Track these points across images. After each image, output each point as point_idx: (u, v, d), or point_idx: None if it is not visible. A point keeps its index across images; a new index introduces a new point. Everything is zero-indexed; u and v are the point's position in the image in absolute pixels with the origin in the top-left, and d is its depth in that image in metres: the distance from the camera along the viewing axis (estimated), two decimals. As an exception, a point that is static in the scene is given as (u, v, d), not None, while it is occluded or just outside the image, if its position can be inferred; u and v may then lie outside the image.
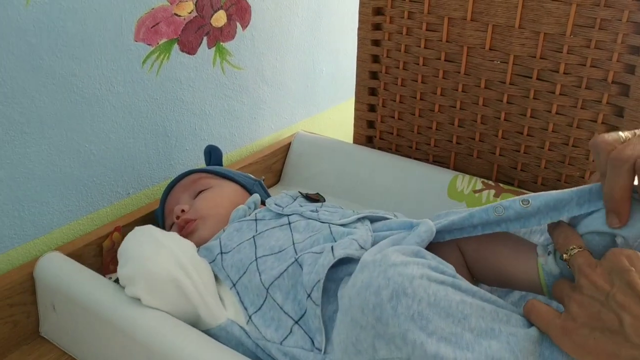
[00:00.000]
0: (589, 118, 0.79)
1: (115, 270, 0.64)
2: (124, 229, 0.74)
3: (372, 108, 0.97)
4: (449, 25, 0.84)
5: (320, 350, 0.52)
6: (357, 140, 1.01)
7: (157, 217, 0.75)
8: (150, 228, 0.62)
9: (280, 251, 0.60)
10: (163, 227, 0.73)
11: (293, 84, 1.05)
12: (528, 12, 0.78)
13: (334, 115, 1.18)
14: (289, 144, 1.01)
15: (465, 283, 0.47)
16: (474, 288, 0.47)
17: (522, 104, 0.83)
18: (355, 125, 1.00)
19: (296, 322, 0.55)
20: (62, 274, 0.64)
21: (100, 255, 0.72)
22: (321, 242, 0.59)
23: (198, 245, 0.66)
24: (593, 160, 0.80)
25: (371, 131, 0.99)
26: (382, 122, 0.97)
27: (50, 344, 0.66)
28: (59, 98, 0.67)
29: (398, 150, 0.97)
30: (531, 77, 0.81)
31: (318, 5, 1.05)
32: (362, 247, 0.57)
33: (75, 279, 0.63)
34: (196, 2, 0.80)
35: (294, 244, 0.60)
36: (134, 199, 0.79)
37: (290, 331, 0.55)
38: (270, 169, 0.98)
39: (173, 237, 0.62)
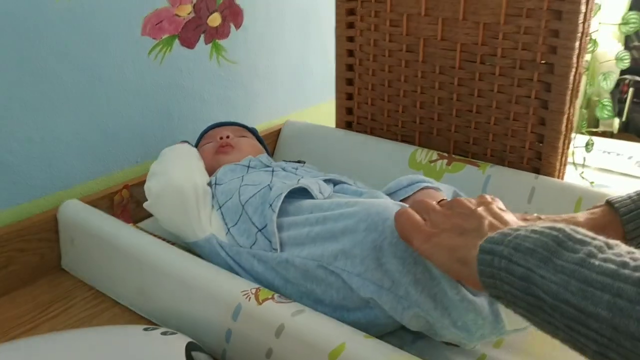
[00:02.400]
0: (524, 94, 0.92)
1: (124, 220, 0.82)
2: (132, 188, 0.90)
3: (349, 97, 1.12)
4: (407, 20, 0.99)
5: (276, 249, 0.67)
6: (338, 125, 1.15)
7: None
8: (192, 151, 0.84)
9: (259, 184, 0.76)
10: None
11: (284, 80, 1.22)
12: (469, 5, 0.92)
13: (322, 110, 1.33)
14: (280, 129, 1.16)
15: None
16: None
17: (470, 86, 0.96)
18: (336, 112, 1.15)
19: (259, 230, 0.70)
20: (79, 214, 0.80)
21: (112, 207, 0.88)
22: None
23: (222, 164, 0.84)
24: (532, 132, 0.93)
25: (350, 117, 1.14)
26: (359, 108, 1.12)
27: (69, 274, 0.83)
28: (81, 79, 0.85)
29: (373, 133, 1.11)
30: (476, 62, 0.94)
31: (306, 10, 1.21)
32: (320, 192, 0.72)
33: (89, 217, 0.79)
34: (194, 4, 0.97)
35: (270, 181, 0.76)
36: (142, 166, 0.95)
37: (256, 238, 0.70)
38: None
39: (200, 165, 0.82)
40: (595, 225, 0.55)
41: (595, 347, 0.35)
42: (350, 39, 1.08)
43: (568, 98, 0.88)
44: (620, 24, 0.89)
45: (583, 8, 0.83)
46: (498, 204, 0.54)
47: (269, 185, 0.74)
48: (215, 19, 1.02)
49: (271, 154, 1.16)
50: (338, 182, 0.81)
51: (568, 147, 0.95)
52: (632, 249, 0.37)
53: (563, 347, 0.39)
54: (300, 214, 0.68)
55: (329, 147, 1.10)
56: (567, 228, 0.40)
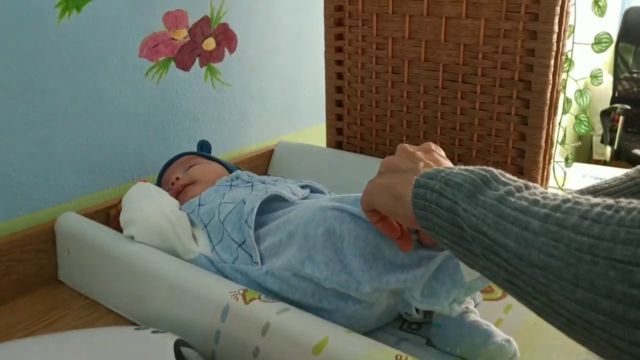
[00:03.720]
0: (504, 111, 0.96)
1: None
2: (128, 203, 0.93)
3: (339, 117, 1.17)
4: (392, 44, 1.04)
5: (257, 263, 0.70)
6: (329, 145, 1.19)
7: None
8: (148, 185, 0.82)
9: (236, 200, 0.78)
10: None
11: (277, 103, 1.26)
12: (450, 28, 0.97)
13: (315, 133, 1.38)
14: (273, 149, 1.20)
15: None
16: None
17: (453, 104, 1.01)
18: (327, 133, 1.19)
19: (239, 246, 0.73)
20: (75, 226, 0.83)
21: (107, 221, 0.91)
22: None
23: (184, 203, 0.85)
24: (513, 147, 0.97)
25: (340, 137, 1.18)
26: (348, 128, 1.16)
27: (66, 285, 0.85)
28: (80, 97, 0.89)
29: (362, 151, 1.15)
30: (457, 81, 0.99)
31: (298, 35, 1.27)
32: (294, 194, 0.75)
33: (85, 228, 0.82)
34: (189, 29, 1.02)
35: (247, 196, 0.78)
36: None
37: (238, 253, 0.73)
38: (256, 169, 1.17)
39: (163, 195, 0.82)
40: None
41: (504, 275, 0.38)
42: (339, 62, 1.13)
43: (546, 114, 0.92)
44: (593, 44, 0.93)
45: (556, 28, 0.88)
46: (439, 152, 0.58)
47: (243, 200, 0.77)
48: (210, 43, 1.06)
49: (264, 172, 1.20)
50: (314, 189, 0.84)
51: (549, 163, 0.99)
52: (546, 191, 0.41)
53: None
54: (275, 215, 0.72)
55: (321, 166, 1.14)
56: (496, 171, 0.43)
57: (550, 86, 0.91)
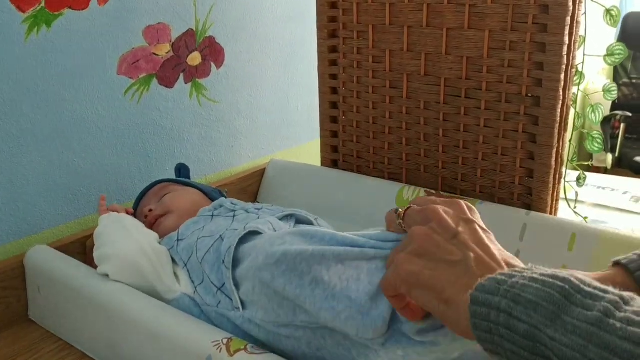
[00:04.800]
0: (511, 128, 0.89)
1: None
2: (106, 232, 0.86)
3: (334, 134, 1.10)
4: (390, 56, 0.98)
5: (238, 308, 0.63)
6: (324, 164, 1.13)
7: None
8: (122, 217, 0.75)
9: (215, 234, 0.71)
10: None
11: (268, 119, 1.19)
12: (451, 40, 0.91)
13: (310, 150, 1.31)
14: (264, 169, 1.13)
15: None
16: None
17: (456, 121, 0.94)
18: (321, 151, 1.12)
19: (219, 289, 0.65)
20: (46, 260, 0.76)
21: (84, 252, 0.84)
22: None
23: (164, 236, 0.78)
24: (521, 167, 0.90)
25: (335, 155, 1.11)
26: (344, 146, 1.09)
27: (37, 325, 0.78)
28: (50, 118, 0.82)
29: (359, 170, 1.08)
30: (460, 96, 0.92)
31: (290, 47, 1.20)
32: (275, 230, 0.68)
33: (56, 264, 0.75)
34: (173, 43, 0.95)
35: (228, 228, 0.71)
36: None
37: (219, 298, 0.66)
38: (246, 191, 1.10)
39: (139, 227, 0.75)
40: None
41: None
42: (334, 77, 1.06)
43: (556, 131, 0.86)
44: (605, 56, 0.87)
45: (567, 40, 0.81)
46: (476, 218, 0.49)
47: (221, 236, 0.69)
48: (195, 58, 1.00)
49: (255, 194, 1.13)
50: (300, 219, 0.77)
51: (559, 182, 0.92)
52: None
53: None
54: (253, 254, 0.64)
55: (315, 186, 1.07)
56: (573, 277, 0.36)
57: (560, 102, 0.84)
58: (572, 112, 0.91)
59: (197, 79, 1.01)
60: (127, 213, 0.86)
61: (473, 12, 0.87)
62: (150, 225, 0.80)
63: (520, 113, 0.88)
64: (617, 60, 0.85)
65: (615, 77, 3.04)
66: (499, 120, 0.90)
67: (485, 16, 0.86)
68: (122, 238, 0.71)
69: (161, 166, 0.97)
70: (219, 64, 1.05)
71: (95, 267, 0.73)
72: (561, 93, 0.84)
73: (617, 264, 0.49)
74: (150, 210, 0.81)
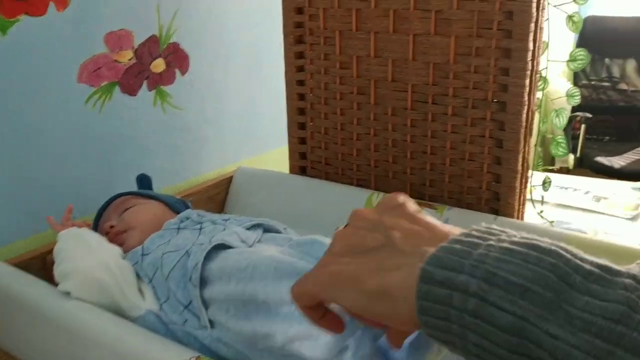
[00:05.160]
0: (478, 134, 0.90)
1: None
2: (68, 246, 0.83)
3: (302, 141, 1.09)
4: (357, 62, 0.97)
5: (206, 327, 0.61)
6: (292, 171, 1.11)
7: None
8: (82, 231, 0.72)
9: (181, 249, 0.69)
10: None
11: (235, 125, 1.17)
12: (418, 45, 0.91)
13: (278, 156, 1.29)
14: (232, 177, 1.11)
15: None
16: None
17: (423, 127, 0.94)
18: (289, 158, 1.11)
19: (186, 307, 0.64)
20: (2, 277, 0.72)
21: (44, 268, 0.81)
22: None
23: (127, 251, 0.75)
24: (488, 172, 0.91)
25: (304, 162, 1.10)
26: (312, 152, 1.08)
27: (-5, 346, 0.75)
28: (8, 128, 0.79)
29: (328, 177, 1.08)
30: (428, 102, 0.92)
31: (256, 54, 1.19)
32: (243, 241, 0.67)
33: (13, 281, 0.72)
34: (135, 50, 0.93)
35: (194, 242, 0.69)
36: (79, 220, 0.89)
37: (185, 316, 0.64)
38: (213, 200, 1.08)
39: (102, 242, 0.73)
40: None
41: None
42: (301, 83, 1.05)
43: (522, 136, 0.86)
44: (568, 61, 0.88)
45: (531, 46, 0.82)
46: (409, 207, 0.39)
47: (187, 251, 0.68)
48: (159, 65, 0.97)
49: (223, 202, 1.11)
50: (268, 228, 0.76)
51: (525, 186, 0.93)
52: None
53: None
54: (224, 277, 0.62)
55: (284, 194, 1.06)
56: (562, 250, 0.28)
57: (526, 107, 0.85)
58: (536, 116, 0.92)
59: (161, 86, 0.99)
60: (87, 225, 0.83)
61: (439, 18, 0.88)
62: (112, 242, 0.78)
63: (486, 118, 0.88)
64: (579, 66, 0.87)
65: (576, 80, 3.11)
66: (466, 126, 0.90)
67: (451, 22, 0.87)
68: (84, 254, 0.69)
69: (125, 177, 0.95)
70: (183, 71, 1.03)
71: (56, 284, 0.70)
72: (526, 98, 0.85)
73: None
74: (112, 227, 0.79)
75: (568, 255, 0.28)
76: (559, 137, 0.92)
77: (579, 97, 0.90)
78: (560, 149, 0.92)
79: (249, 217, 0.82)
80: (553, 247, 0.28)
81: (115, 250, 0.73)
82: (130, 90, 0.94)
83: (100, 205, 0.87)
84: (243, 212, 1.09)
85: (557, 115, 0.91)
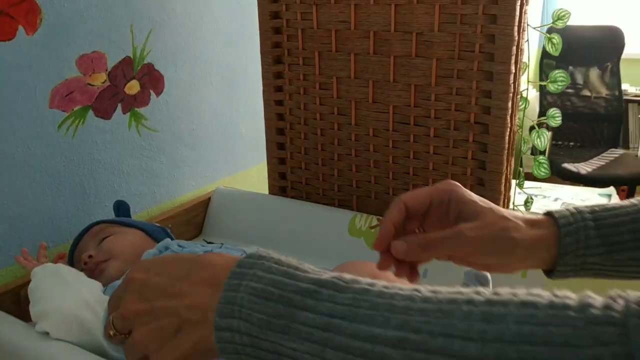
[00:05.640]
0: (460, 155, 0.90)
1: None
2: (42, 279, 0.79)
3: (282, 161, 1.07)
4: (337, 83, 0.96)
5: None
6: (272, 191, 1.09)
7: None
8: (58, 268, 0.69)
9: None
10: None
11: (212, 145, 1.15)
12: (399, 67, 0.90)
13: (256, 174, 1.28)
14: (209, 198, 1.09)
15: None
16: None
17: (405, 148, 0.93)
18: (269, 178, 1.09)
19: None
20: (-26, 318, 0.69)
21: (18, 302, 0.77)
22: None
23: (107, 284, 0.73)
24: (471, 193, 0.90)
25: (283, 182, 1.08)
26: (292, 173, 1.07)
27: (-35, 389, 0.70)
28: (-24, 160, 0.75)
29: (308, 198, 1.06)
30: (409, 124, 0.92)
31: (233, 73, 1.16)
32: None
33: (-13, 321, 0.68)
34: (109, 73, 0.90)
35: None
36: (54, 251, 0.85)
37: None
38: (191, 222, 1.05)
39: (80, 277, 0.69)
40: (529, 221, 0.49)
41: None
42: (279, 103, 1.03)
43: (505, 158, 0.87)
44: (549, 82, 0.89)
45: (513, 68, 0.82)
46: (136, 275, 0.41)
47: None
48: (133, 87, 0.94)
49: (201, 225, 1.08)
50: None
51: (507, 206, 0.93)
52: (367, 282, 0.35)
53: None
54: None
55: (263, 215, 1.04)
56: (286, 276, 0.36)
57: (508, 129, 0.85)
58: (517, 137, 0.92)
59: (135, 108, 0.96)
60: (60, 258, 0.79)
61: (420, 40, 0.87)
62: (91, 273, 0.75)
63: (469, 140, 0.88)
64: (560, 87, 0.87)
65: (542, 87, 3.17)
66: (448, 147, 0.90)
67: (433, 44, 0.86)
68: (61, 291, 0.66)
69: (100, 202, 0.91)
70: (158, 92, 1.00)
71: (31, 320, 0.67)
72: (509, 120, 0.85)
73: (549, 214, 0.50)
74: (90, 257, 0.76)
75: (287, 280, 0.36)
76: (541, 158, 0.93)
77: (559, 118, 0.91)
78: (542, 170, 0.93)
79: (231, 245, 0.80)
80: (280, 276, 0.36)
81: (94, 285, 0.70)
82: (105, 113, 0.90)
83: (76, 233, 0.83)
84: (222, 234, 1.06)
85: (539, 137, 0.91)
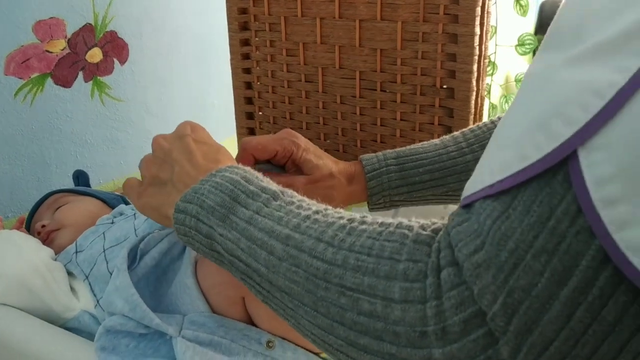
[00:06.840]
0: (427, 121, 0.88)
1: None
2: (0, 248, 0.78)
3: (251, 131, 1.06)
4: (304, 49, 0.94)
5: None
6: (242, 162, 1.08)
7: None
8: (11, 233, 0.68)
9: (125, 240, 0.66)
10: None
11: (182, 116, 1.13)
12: (365, 32, 0.88)
13: (228, 146, 1.26)
14: (179, 170, 1.08)
15: None
16: None
17: (372, 115, 0.92)
18: (238, 148, 1.08)
19: None
20: None
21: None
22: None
23: (59, 252, 0.72)
24: (438, 160, 0.89)
25: (253, 153, 1.07)
26: (262, 143, 1.05)
27: None
28: None
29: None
30: (376, 90, 0.90)
31: (203, 43, 1.14)
32: None
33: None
34: (68, 40, 0.88)
35: (135, 230, 0.66)
36: (12, 221, 0.84)
37: None
38: (160, 194, 1.04)
39: (31, 243, 0.68)
40: (349, 176, 0.61)
41: (261, 298, 0.39)
42: (247, 71, 1.01)
43: (471, 123, 0.85)
44: (516, 45, 0.87)
45: (478, 30, 0.81)
46: (197, 133, 0.51)
47: (129, 240, 0.65)
48: (95, 55, 0.93)
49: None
50: None
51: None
52: (299, 198, 0.40)
53: None
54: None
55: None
56: (243, 180, 0.41)
57: (474, 93, 0.84)
58: (486, 103, 0.91)
59: (98, 77, 0.94)
60: (21, 223, 0.79)
61: (385, 2, 0.85)
62: (44, 242, 0.74)
63: (435, 105, 0.87)
64: (527, 51, 0.85)
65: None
66: (415, 114, 0.88)
67: (398, 7, 0.84)
68: (11, 257, 0.65)
69: (62, 172, 0.90)
70: (122, 60, 0.98)
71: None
72: (475, 84, 0.83)
73: (360, 160, 0.62)
74: (43, 226, 0.75)
75: (243, 182, 0.41)
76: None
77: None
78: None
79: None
80: (239, 177, 0.41)
81: (46, 251, 0.69)
82: (65, 81, 0.89)
83: (34, 203, 0.82)
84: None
85: (507, 101, 0.90)
